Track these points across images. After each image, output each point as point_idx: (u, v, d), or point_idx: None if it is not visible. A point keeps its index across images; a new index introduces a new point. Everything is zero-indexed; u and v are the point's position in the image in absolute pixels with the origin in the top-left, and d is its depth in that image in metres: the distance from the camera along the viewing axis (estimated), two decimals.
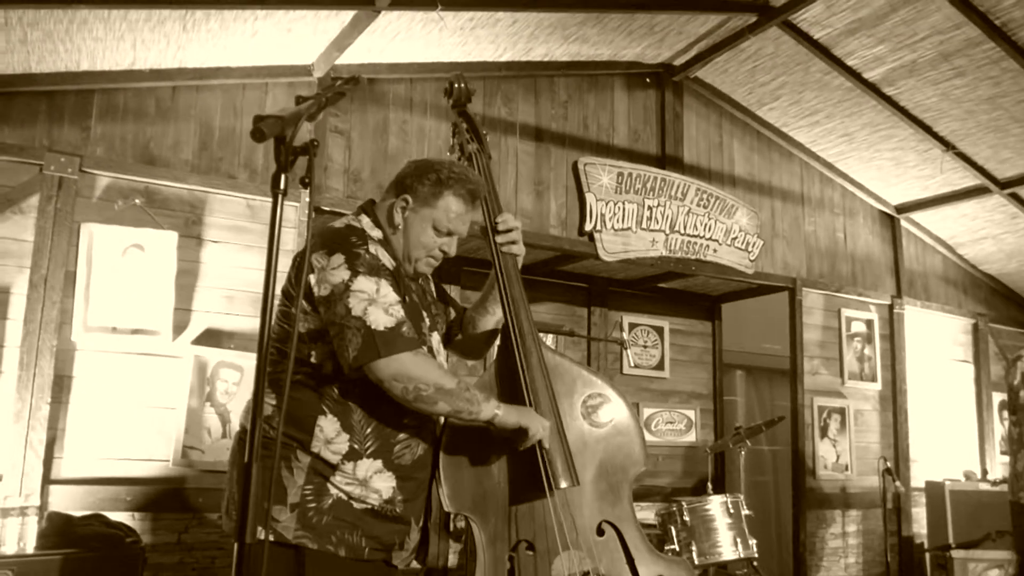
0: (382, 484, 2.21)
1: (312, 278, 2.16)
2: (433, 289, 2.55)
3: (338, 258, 2.16)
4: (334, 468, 2.17)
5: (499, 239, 2.48)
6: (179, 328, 4.02)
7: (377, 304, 2.12)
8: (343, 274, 2.14)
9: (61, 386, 3.80)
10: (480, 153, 2.60)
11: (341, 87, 1.63)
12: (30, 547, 3.54)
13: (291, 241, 4.13)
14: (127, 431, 3.91)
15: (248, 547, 1.38)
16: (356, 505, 2.18)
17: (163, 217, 4.06)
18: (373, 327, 2.10)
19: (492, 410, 2.22)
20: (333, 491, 2.17)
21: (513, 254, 2.51)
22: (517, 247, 2.51)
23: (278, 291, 1.81)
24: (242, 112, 4.35)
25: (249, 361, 3.98)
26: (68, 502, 3.71)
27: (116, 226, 3.95)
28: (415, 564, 2.43)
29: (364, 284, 2.14)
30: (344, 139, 4.60)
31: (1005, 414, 6.17)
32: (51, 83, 3.92)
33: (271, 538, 2.12)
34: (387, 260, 2.27)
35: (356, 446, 2.19)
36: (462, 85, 2.64)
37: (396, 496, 2.23)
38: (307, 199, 4.28)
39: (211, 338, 4.10)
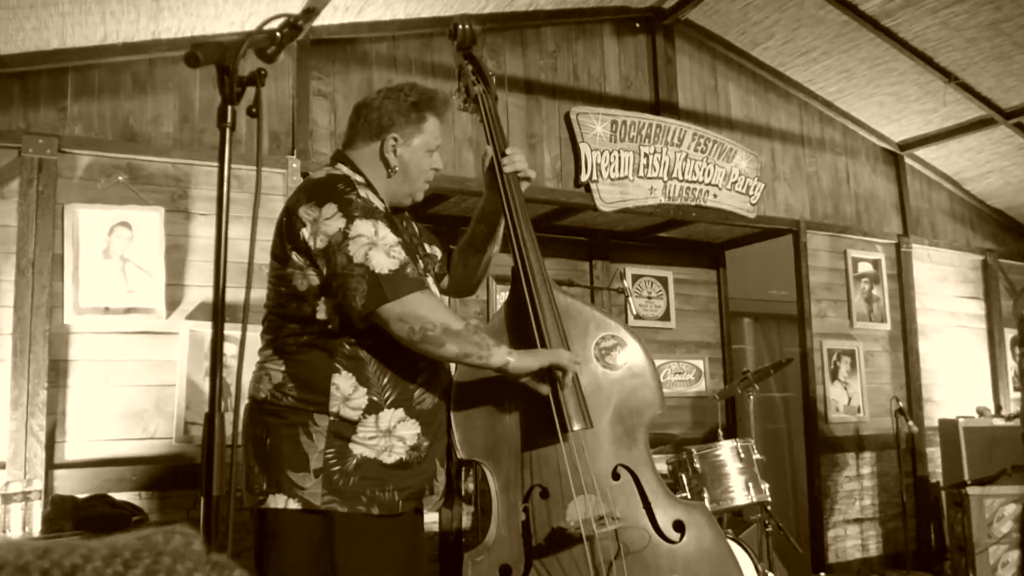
0: (407, 432, 2.17)
1: (305, 232, 2.09)
2: (416, 230, 2.48)
3: (330, 207, 2.09)
4: (355, 424, 2.12)
5: (507, 168, 2.40)
6: (173, 304, 3.96)
7: (378, 247, 2.06)
8: (339, 222, 2.08)
9: (57, 370, 3.74)
10: (487, 95, 2.51)
11: (295, 20, 1.52)
12: (35, 531, 3.51)
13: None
14: (128, 411, 3.85)
15: (216, 499, 1.32)
16: (383, 459, 2.14)
17: (148, 193, 3.98)
18: (377, 271, 2.04)
19: (504, 357, 2.14)
20: (356, 450, 2.12)
21: (526, 178, 2.44)
22: (527, 172, 2.45)
23: (248, 255, 1.72)
24: None
25: (250, 332, 3.95)
26: (73, 485, 3.67)
27: (100, 205, 3.87)
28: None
29: (362, 228, 2.08)
30: (328, 102, 4.49)
31: (1017, 350, 6.07)
32: (22, 64, 3.80)
33: (298, 506, 2.08)
34: (378, 202, 2.22)
35: (375, 398, 2.14)
36: (467, 27, 2.53)
37: (422, 442, 2.19)
38: (294, 165, 4.20)
39: (206, 312, 4.02)
